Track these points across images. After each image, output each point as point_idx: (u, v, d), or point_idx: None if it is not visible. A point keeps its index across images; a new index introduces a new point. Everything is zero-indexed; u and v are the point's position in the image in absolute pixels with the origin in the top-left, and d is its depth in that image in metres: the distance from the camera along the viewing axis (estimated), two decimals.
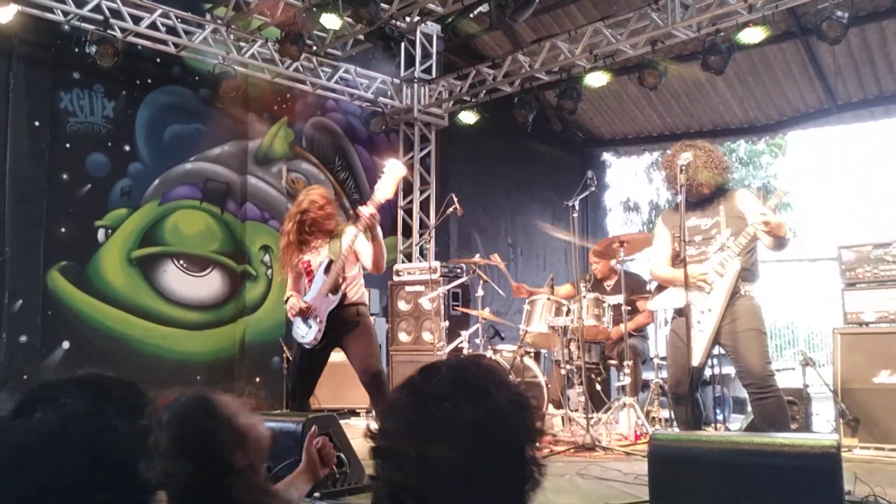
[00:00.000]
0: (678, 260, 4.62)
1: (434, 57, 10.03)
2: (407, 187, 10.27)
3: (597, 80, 8.69)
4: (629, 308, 6.64)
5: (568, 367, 6.77)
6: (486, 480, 1.27)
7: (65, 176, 7.49)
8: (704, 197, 4.74)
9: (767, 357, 4.52)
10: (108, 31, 7.24)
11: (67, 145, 7.51)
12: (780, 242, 4.57)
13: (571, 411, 6.46)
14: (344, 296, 5.05)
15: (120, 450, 0.93)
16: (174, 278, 8.14)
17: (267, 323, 8.78)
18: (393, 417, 1.35)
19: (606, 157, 13.85)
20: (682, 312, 4.62)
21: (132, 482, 0.93)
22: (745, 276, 4.56)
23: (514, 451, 1.31)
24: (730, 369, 5.31)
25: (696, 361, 4.52)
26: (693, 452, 3.03)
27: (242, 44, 8.44)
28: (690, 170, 4.60)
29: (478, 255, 7.59)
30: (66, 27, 7.30)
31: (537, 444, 1.38)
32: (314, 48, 8.82)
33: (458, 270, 8.31)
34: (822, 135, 15.47)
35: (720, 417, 6.13)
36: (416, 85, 9.99)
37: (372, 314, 8.08)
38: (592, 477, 4.71)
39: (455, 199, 7.36)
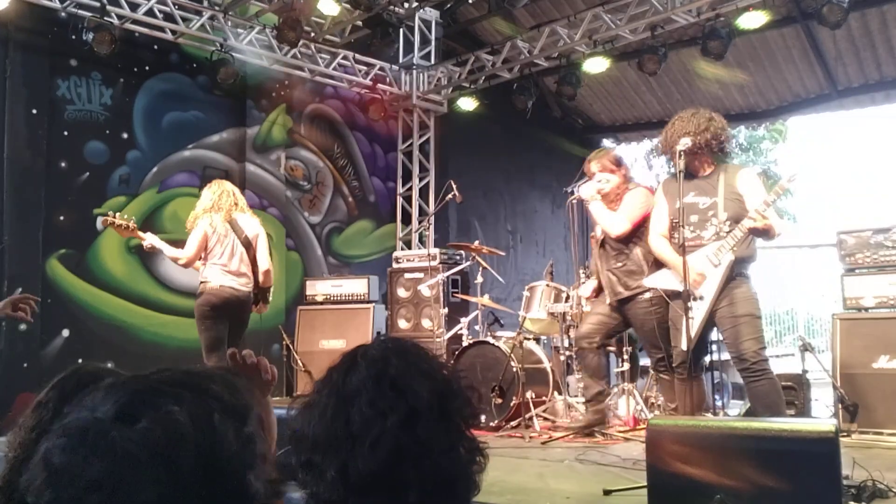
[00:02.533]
0: (675, 234, 4.64)
1: (433, 43, 9.99)
2: (406, 174, 10.27)
3: (596, 65, 8.67)
4: None
5: (567, 353, 6.78)
6: (419, 481, 1.18)
7: (63, 164, 7.47)
8: (704, 171, 4.74)
9: (761, 342, 4.56)
10: (105, 18, 7.20)
11: (65, 133, 7.49)
12: (770, 239, 4.63)
13: (571, 397, 6.48)
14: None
15: (230, 461, 0.87)
16: (173, 266, 8.11)
17: (266, 310, 8.78)
18: (310, 422, 1.25)
19: (606, 143, 13.80)
20: (677, 296, 4.65)
21: (243, 495, 0.88)
22: (740, 262, 4.56)
23: (444, 445, 1.22)
24: (728, 355, 5.33)
25: (684, 345, 4.56)
26: (691, 437, 3.03)
27: (240, 30, 8.40)
28: (694, 149, 4.58)
29: (477, 242, 7.59)
30: (63, 14, 7.26)
31: (473, 425, 1.29)
32: (312, 35, 8.78)
33: (458, 257, 8.31)
34: (823, 120, 15.44)
35: (719, 403, 6.15)
36: (414, 71, 9.95)
37: (371, 301, 8.16)
38: (591, 462, 4.73)
39: (454, 186, 7.35)
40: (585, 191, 5.26)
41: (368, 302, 8.16)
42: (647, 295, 5.08)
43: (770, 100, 10.80)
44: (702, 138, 4.64)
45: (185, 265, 6.05)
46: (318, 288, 8.47)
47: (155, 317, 7.91)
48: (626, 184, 5.31)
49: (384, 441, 1.17)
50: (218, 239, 5.98)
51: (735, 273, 4.55)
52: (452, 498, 1.23)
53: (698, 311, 4.55)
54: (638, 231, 5.17)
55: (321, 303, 8.36)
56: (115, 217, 5.93)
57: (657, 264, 5.05)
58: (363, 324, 7.98)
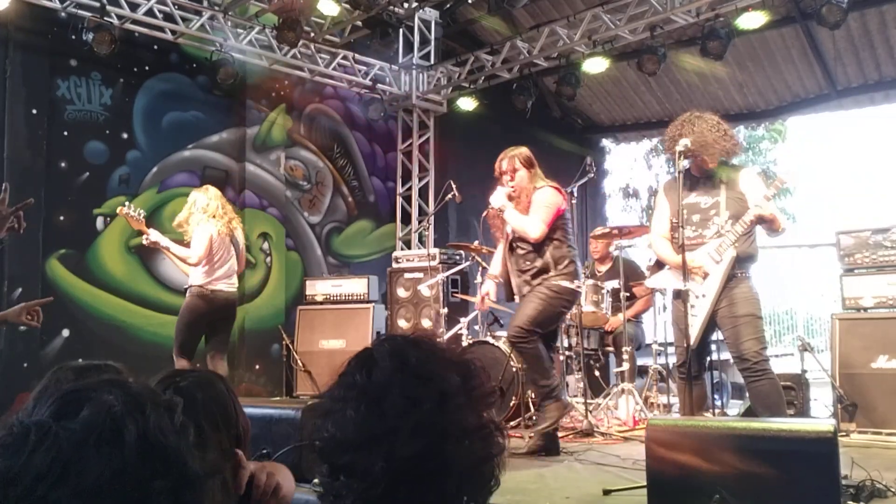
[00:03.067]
0: (676, 234, 4.64)
1: (432, 43, 10.00)
2: (405, 174, 10.27)
3: (595, 65, 8.68)
4: (627, 294, 6.67)
5: (567, 353, 6.80)
6: (456, 462, 1.24)
7: (63, 164, 7.47)
8: (707, 172, 4.72)
9: (762, 342, 4.55)
10: (105, 18, 7.21)
11: (65, 133, 7.49)
12: (774, 231, 4.61)
13: (570, 397, 6.49)
14: None
15: (167, 440, 0.94)
16: (173, 266, 8.12)
17: (266, 310, 8.80)
18: (342, 426, 1.27)
19: (605, 143, 13.82)
20: (678, 295, 4.66)
21: (183, 472, 0.94)
22: (741, 260, 4.56)
23: (475, 423, 1.29)
24: (728, 355, 5.33)
25: (690, 343, 4.56)
26: (690, 437, 3.04)
27: (240, 30, 8.41)
28: (693, 146, 4.56)
29: (476, 242, 7.59)
30: (63, 14, 7.27)
31: (492, 404, 1.36)
32: (312, 35, 8.78)
33: (458, 257, 8.31)
34: (822, 120, 15.43)
35: (718, 403, 6.16)
36: (414, 71, 9.96)
37: (371, 301, 8.16)
38: (591, 462, 4.74)
39: (453, 186, 7.36)
40: (496, 200, 5.04)
41: (368, 302, 8.16)
42: (544, 287, 4.95)
43: (769, 100, 10.81)
44: (706, 138, 4.61)
45: (195, 265, 6.13)
46: (318, 288, 8.48)
47: (154, 316, 7.92)
48: (532, 182, 5.08)
49: (423, 425, 1.22)
50: (220, 244, 6.19)
51: (736, 272, 4.55)
52: (485, 482, 1.29)
53: (700, 310, 4.54)
54: (549, 232, 5.00)
55: (321, 303, 8.37)
56: (129, 209, 6.05)
57: (658, 265, 5.05)
58: (363, 324, 7.99)
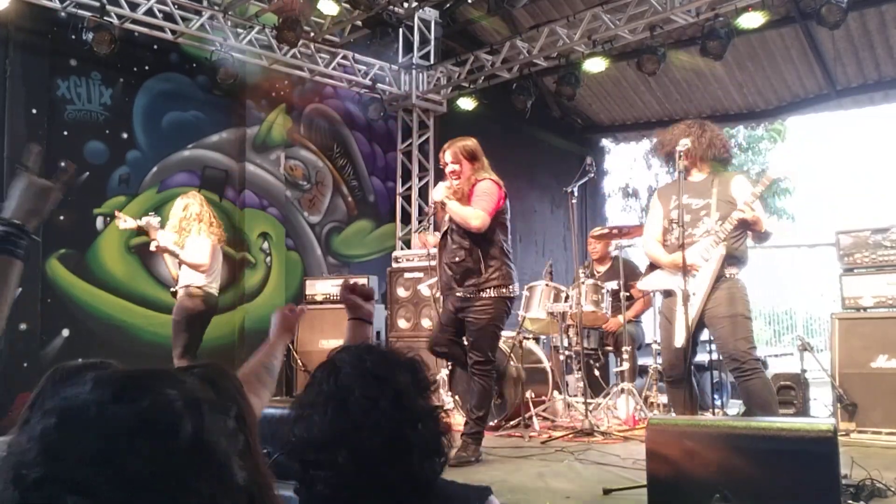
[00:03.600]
0: (668, 236, 4.71)
1: (432, 43, 10.00)
2: (405, 174, 10.27)
3: (595, 65, 8.69)
4: (627, 294, 6.67)
5: (567, 352, 6.80)
6: (415, 444, 1.46)
7: (63, 164, 7.46)
8: (701, 176, 4.78)
9: (751, 341, 4.59)
10: (105, 18, 7.21)
11: (65, 133, 7.49)
12: (759, 236, 4.67)
13: (570, 396, 6.49)
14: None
15: (218, 446, 0.93)
16: (173, 266, 8.14)
17: (266, 310, 8.78)
18: (309, 429, 1.46)
19: (605, 143, 13.82)
20: (668, 295, 4.73)
21: (228, 480, 0.93)
22: (731, 262, 4.61)
23: (427, 409, 1.51)
24: None
25: (679, 343, 4.57)
26: (690, 437, 3.04)
27: (240, 30, 8.41)
28: (692, 151, 4.64)
29: None
30: (63, 14, 7.27)
31: (435, 391, 1.59)
32: (312, 34, 8.79)
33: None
34: (822, 120, 15.43)
35: (718, 402, 6.17)
36: (414, 71, 9.96)
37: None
38: (591, 462, 4.74)
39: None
40: (438, 193, 4.95)
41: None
42: (486, 294, 4.88)
43: (769, 100, 10.82)
44: (700, 142, 4.70)
45: (205, 272, 6.34)
46: (318, 288, 8.47)
47: (154, 316, 7.91)
48: (474, 175, 5.00)
49: (383, 420, 1.43)
50: (216, 250, 6.46)
51: (725, 272, 4.59)
52: (442, 453, 1.52)
53: (691, 308, 4.57)
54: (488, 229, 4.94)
55: (321, 302, 8.37)
56: (151, 217, 6.37)
57: (652, 267, 5.08)
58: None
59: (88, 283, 7.54)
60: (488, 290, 4.89)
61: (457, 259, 4.92)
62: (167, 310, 7.95)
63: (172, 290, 6.55)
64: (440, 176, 5.40)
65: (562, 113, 12.39)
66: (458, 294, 4.97)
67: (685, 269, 4.45)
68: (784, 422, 3.12)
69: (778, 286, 14.71)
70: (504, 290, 4.95)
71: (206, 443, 0.89)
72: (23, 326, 6.94)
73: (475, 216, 4.83)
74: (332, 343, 8.04)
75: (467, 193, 4.93)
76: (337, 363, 1.53)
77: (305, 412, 1.49)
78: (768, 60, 9.92)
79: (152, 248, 6.33)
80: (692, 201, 4.73)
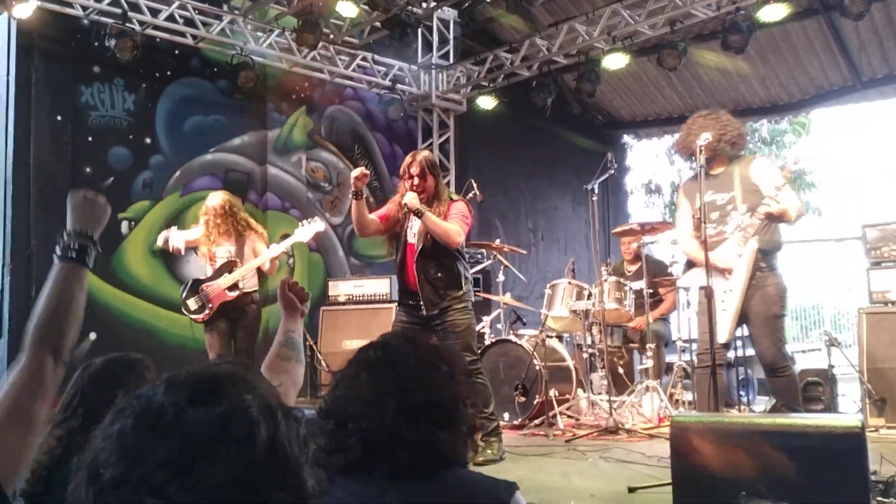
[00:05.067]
0: (699, 233, 4.67)
1: (451, 42, 9.99)
2: None
3: (615, 62, 8.64)
4: (651, 291, 6.64)
5: (590, 350, 6.77)
6: (457, 422, 1.51)
7: (87, 169, 7.55)
8: (721, 168, 4.79)
9: (783, 341, 4.65)
10: (127, 25, 7.28)
11: (89, 139, 7.57)
12: (789, 223, 4.65)
13: (594, 395, 6.47)
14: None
15: (291, 453, 0.92)
16: (197, 269, 8.19)
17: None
18: (353, 387, 1.51)
19: (627, 139, 13.75)
20: (705, 292, 4.69)
21: (300, 488, 0.92)
22: (764, 254, 4.59)
23: (473, 396, 1.63)
24: (754, 351, 5.31)
25: (722, 338, 4.59)
26: (716, 434, 3.02)
27: (260, 34, 8.45)
28: (712, 144, 4.60)
29: (498, 241, 7.58)
30: (86, 21, 7.35)
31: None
32: (331, 36, 8.81)
33: (479, 256, 8.30)
34: (846, 112, 15.24)
35: (744, 399, 6.12)
36: (433, 71, 9.96)
37: (394, 301, 8.16)
38: (615, 460, 4.72)
39: (474, 185, 7.35)
40: (414, 201, 4.84)
41: (391, 302, 8.16)
42: (462, 304, 4.93)
43: (792, 93, 10.70)
44: (719, 135, 4.69)
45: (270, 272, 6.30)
46: (341, 288, 8.50)
47: (180, 319, 7.94)
48: (443, 192, 5.02)
49: (437, 384, 1.51)
50: None
51: (762, 264, 4.58)
52: (475, 442, 1.64)
53: (730, 304, 4.57)
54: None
55: (344, 303, 8.39)
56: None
57: (689, 264, 5.05)
58: (386, 323, 7.98)
59: (114, 287, 7.62)
60: (466, 301, 4.98)
61: (439, 274, 4.93)
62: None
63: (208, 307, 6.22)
64: (461, 176, 5.44)
65: (582, 110, 12.34)
66: (442, 306, 4.93)
67: (708, 268, 4.41)
68: (812, 418, 3.09)
69: (805, 281, 14.56)
70: (471, 298, 5.11)
71: (280, 450, 0.89)
72: None
73: (457, 233, 4.87)
74: (355, 343, 8.02)
75: (444, 212, 4.92)
76: (386, 339, 1.59)
77: (349, 372, 1.53)
78: (791, 53, 9.82)
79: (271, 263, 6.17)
80: (717, 196, 4.71)
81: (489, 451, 4.76)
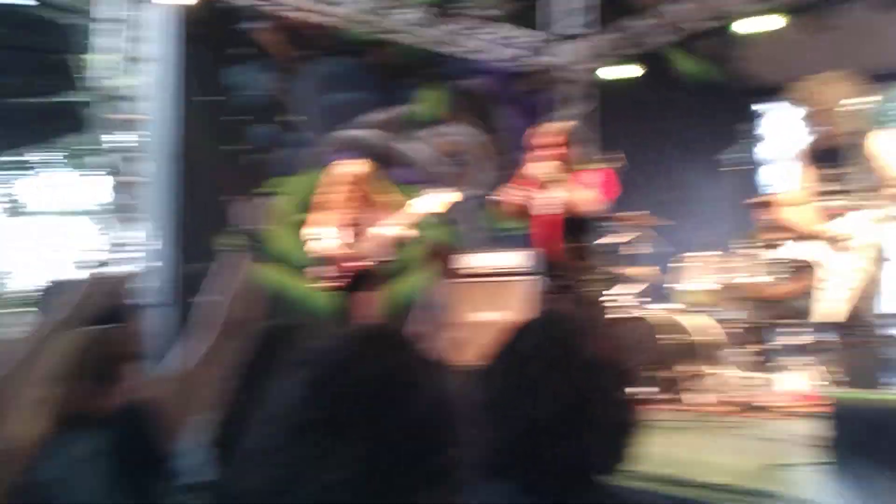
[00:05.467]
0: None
1: (584, 11, 9.79)
2: None
3: (760, 24, 8.25)
4: (796, 265, 6.37)
5: (732, 326, 6.58)
6: (595, 426, 1.35)
7: (232, 149, 7.91)
8: (842, 141, 4.64)
9: None
10: (267, 7, 7.52)
11: (231, 119, 7.91)
12: None
13: (738, 370, 6.29)
14: None
15: (453, 407, 0.97)
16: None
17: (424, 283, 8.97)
18: (493, 381, 1.41)
19: (767, 106, 13.13)
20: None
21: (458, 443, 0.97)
22: None
23: (616, 396, 1.40)
24: None
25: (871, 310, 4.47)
26: (872, 413, 2.87)
27: (395, 11, 8.54)
28: (836, 116, 4.46)
29: (635, 213, 7.42)
30: (227, 4, 7.64)
31: (628, 387, 1.47)
32: (464, 10, 8.82)
33: (617, 227, 8.14)
34: None
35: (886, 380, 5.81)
36: (567, 41, 9.80)
37: (528, 273, 8.13)
38: (756, 437, 4.58)
39: (613, 156, 7.22)
40: (543, 171, 4.86)
41: (525, 274, 8.14)
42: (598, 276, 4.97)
43: None
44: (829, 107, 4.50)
45: None
46: (472, 260, 8.53)
47: (315, 287, 8.26)
48: (580, 162, 4.97)
49: (567, 387, 1.36)
50: None
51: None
52: (621, 448, 1.41)
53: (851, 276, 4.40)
54: None
55: (474, 276, 8.43)
56: None
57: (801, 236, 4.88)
58: (519, 296, 7.97)
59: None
60: (603, 273, 5.29)
61: (577, 245, 5.23)
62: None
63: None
64: (597, 147, 5.43)
65: (723, 77, 11.86)
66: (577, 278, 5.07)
67: (831, 241, 4.24)
68: None
69: None
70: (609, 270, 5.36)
71: (447, 404, 0.94)
72: None
73: (594, 202, 4.96)
74: (487, 316, 8.09)
75: (581, 182, 4.96)
76: (532, 325, 1.52)
77: (508, 362, 1.44)
78: None
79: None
80: (840, 168, 4.52)
81: None
